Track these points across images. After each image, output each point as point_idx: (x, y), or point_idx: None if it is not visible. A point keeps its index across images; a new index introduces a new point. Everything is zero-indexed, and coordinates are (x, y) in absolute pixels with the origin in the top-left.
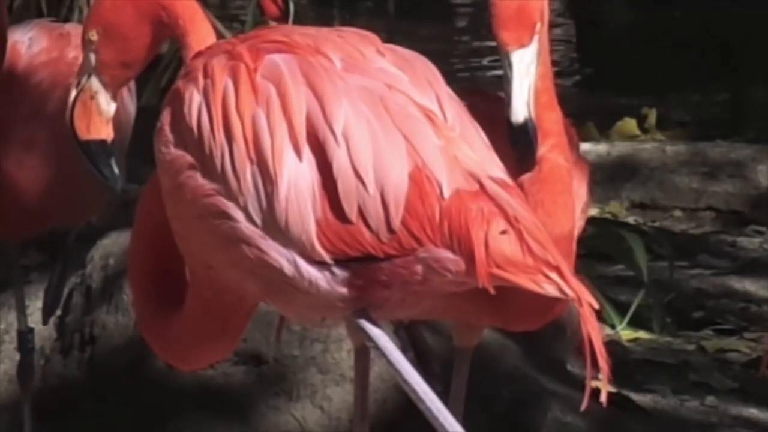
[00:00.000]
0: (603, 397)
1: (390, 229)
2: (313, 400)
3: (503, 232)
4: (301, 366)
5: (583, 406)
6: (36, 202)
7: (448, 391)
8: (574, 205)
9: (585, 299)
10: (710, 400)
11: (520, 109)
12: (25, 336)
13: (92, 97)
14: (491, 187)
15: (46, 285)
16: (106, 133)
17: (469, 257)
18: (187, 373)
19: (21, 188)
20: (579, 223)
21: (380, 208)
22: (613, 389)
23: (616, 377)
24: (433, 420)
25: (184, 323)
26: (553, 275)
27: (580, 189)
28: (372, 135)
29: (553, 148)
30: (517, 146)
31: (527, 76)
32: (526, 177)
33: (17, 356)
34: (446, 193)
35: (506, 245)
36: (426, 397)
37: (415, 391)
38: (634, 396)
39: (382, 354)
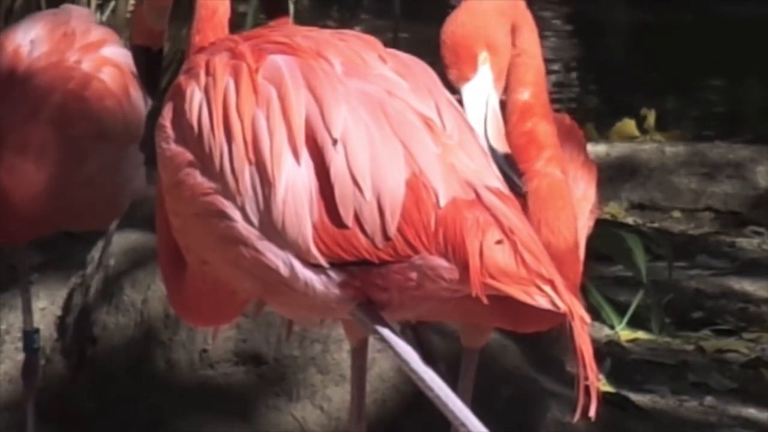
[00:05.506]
0: (592, 412)
1: (386, 236)
2: (312, 400)
3: (498, 243)
4: (301, 366)
5: (575, 417)
6: (32, 208)
7: (454, 392)
8: (577, 216)
9: (577, 313)
10: (709, 400)
11: None
12: (30, 336)
13: None
14: (487, 196)
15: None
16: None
17: (464, 266)
18: (187, 373)
19: (16, 194)
20: (588, 224)
21: (376, 215)
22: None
23: (615, 377)
24: (443, 407)
25: (186, 301)
26: (546, 288)
27: (588, 190)
28: (370, 141)
29: (549, 161)
30: None
31: (481, 106)
32: (526, 194)
33: (18, 356)
34: (442, 202)
35: (500, 256)
36: (434, 384)
37: (422, 380)
38: (633, 396)
39: (389, 345)
